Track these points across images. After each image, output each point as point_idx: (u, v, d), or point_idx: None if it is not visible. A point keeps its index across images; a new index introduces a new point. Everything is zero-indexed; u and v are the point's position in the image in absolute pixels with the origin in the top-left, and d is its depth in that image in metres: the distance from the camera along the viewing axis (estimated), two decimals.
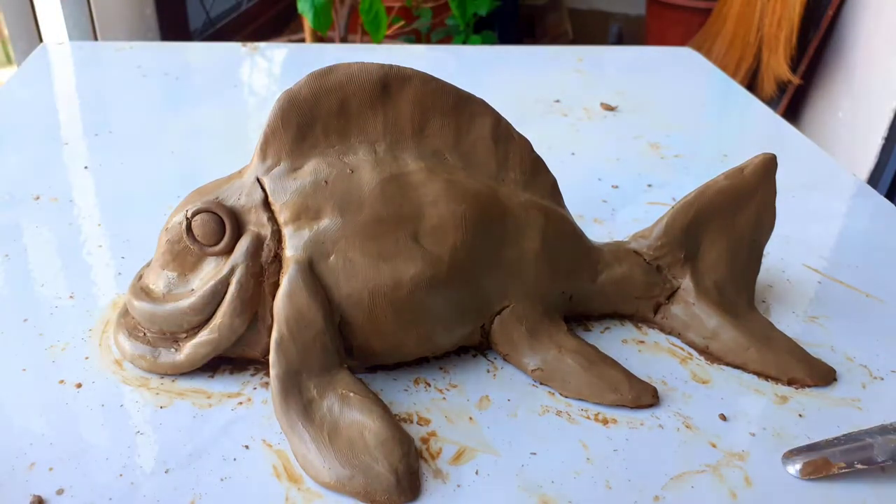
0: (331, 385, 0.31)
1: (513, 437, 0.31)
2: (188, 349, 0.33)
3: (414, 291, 0.32)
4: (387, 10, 1.28)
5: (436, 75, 0.33)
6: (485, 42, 1.49)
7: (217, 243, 0.32)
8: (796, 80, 1.55)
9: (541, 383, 0.34)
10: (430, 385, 0.34)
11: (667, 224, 0.37)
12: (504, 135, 0.35)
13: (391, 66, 0.32)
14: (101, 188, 0.49)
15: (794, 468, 0.30)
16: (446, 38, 1.58)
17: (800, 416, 0.33)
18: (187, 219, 0.32)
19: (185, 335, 0.33)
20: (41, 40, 1.19)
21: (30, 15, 1.18)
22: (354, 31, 1.55)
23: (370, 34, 1.25)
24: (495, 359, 0.36)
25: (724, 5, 1.73)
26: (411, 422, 0.32)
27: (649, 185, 0.54)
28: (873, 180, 1.36)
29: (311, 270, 0.31)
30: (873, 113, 1.38)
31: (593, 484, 0.29)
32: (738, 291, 0.39)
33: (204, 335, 0.32)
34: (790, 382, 0.35)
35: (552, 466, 0.30)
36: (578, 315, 0.38)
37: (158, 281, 0.33)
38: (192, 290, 0.33)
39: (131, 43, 0.76)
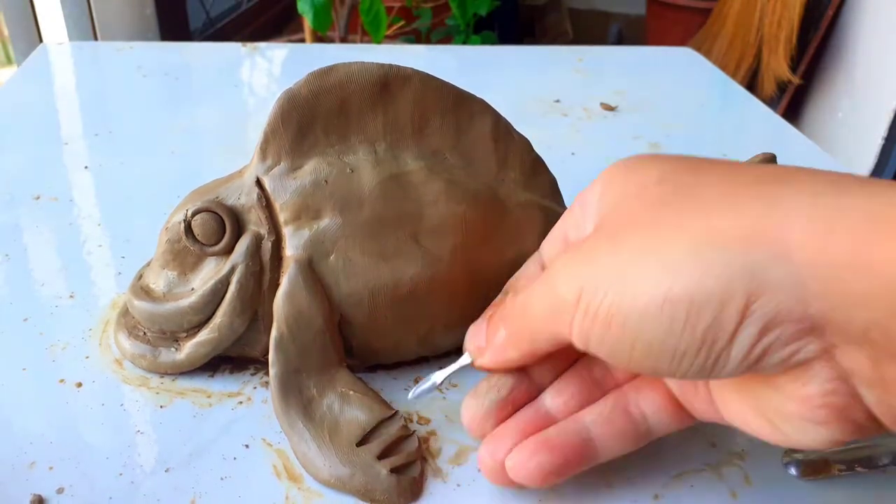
0: (331, 384, 0.31)
1: None
2: (188, 348, 0.33)
3: (414, 291, 0.32)
4: (387, 10, 1.28)
5: (436, 75, 0.33)
6: (485, 42, 1.49)
7: (217, 243, 0.32)
8: (796, 80, 1.55)
9: None
10: None
11: None
12: (504, 134, 0.35)
13: (391, 66, 0.32)
14: (101, 188, 0.49)
15: (794, 468, 0.30)
16: (446, 38, 1.58)
17: None
18: (187, 218, 0.32)
19: (185, 334, 0.33)
20: (41, 40, 1.19)
21: (30, 15, 1.18)
22: (354, 31, 1.55)
23: (370, 34, 1.26)
24: None
25: (724, 5, 1.74)
26: (411, 421, 0.32)
27: None
28: None
29: (311, 270, 0.31)
30: (873, 113, 1.38)
31: (593, 483, 0.29)
32: None
33: (204, 334, 0.32)
34: None
35: None
36: None
37: (158, 280, 0.33)
38: (193, 289, 0.33)
39: (131, 43, 0.76)
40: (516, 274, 0.30)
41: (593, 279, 0.22)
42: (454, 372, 0.29)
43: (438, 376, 0.30)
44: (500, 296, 0.31)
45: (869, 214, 0.18)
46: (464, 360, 0.29)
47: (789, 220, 0.19)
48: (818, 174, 0.20)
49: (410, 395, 0.30)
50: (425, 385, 0.30)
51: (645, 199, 0.22)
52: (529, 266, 0.30)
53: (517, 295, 0.26)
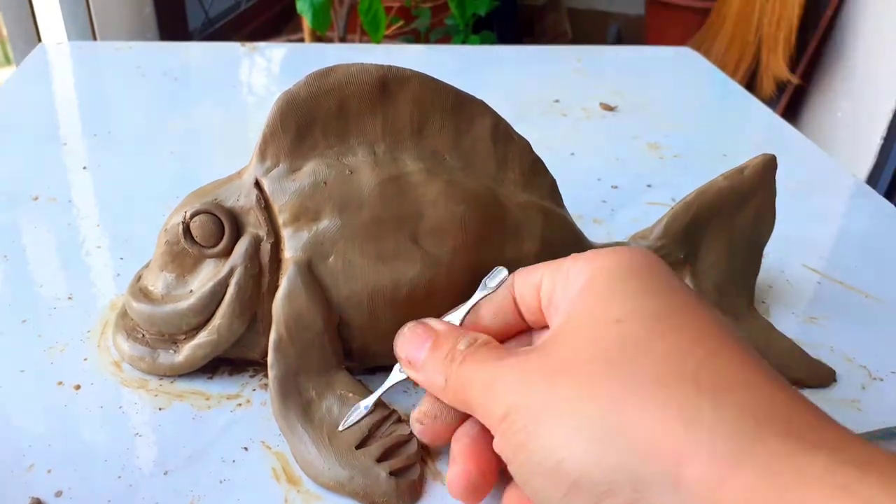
0: (329, 386, 0.31)
1: None
2: (187, 350, 0.33)
3: (413, 293, 0.32)
4: (386, 10, 1.28)
5: (435, 75, 0.33)
6: (484, 42, 1.49)
7: (216, 245, 0.32)
8: (795, 79, 1.55)
9: None
10: None
11: (666, 225, 0.37)
12: (503, 135, 0.35)
13: (390, 67, 0.32)
14: (100, 188, 0.49)
15: None
16: (445, 38, 1.58)
17: None
18: (185, 220, 0.32)
19: (183, 336, 0.33)
20: (40, 40, 1.19)
21: (29, 15, 1.18)
22: (353, 30, 1.55)
23: (369, 34, 1.25)
24: None
25: (723, 5, 1.74)
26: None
27: (649, 186, 0.54)
28: (872, 180, 1.36)
29: (310, 272, 0.31)
30: (872, 113, 1.38)
31: None
32: (738, 292, 0.39)
33: (203, 336, 0.32)
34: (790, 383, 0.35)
35: None
36: None
37: (157, 282, 0.33)
38: (191, 291, 0.33)
39: (130, 43, 0.76)
40: (489, 296, 0.29)
41: (518, 410, 0.23)
42: (383, 392, 0.30)
43: (367, 402, 0.30)
44: (466, 309, 0.29)
45: (771, 477, 0.18)
46: (391, 379, 0.29)
47: (696, 450, 0.19)
48: (754, 397, 0.20)
49: (341, 427, 0.30)
50: (354, 414, 0.30)
51: (597, 342, 0.23)
52: (500, 293, 0.29)
53: (467, 357, 0.26)
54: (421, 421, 0.28)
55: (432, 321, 0.28)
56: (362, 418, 0.30)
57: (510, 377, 0.24)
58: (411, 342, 0.28)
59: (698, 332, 0.22)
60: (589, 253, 0.26)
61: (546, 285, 0.27)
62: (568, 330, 0.24)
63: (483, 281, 0.29)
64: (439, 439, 0.29)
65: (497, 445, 0.24)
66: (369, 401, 0.30)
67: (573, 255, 0.26)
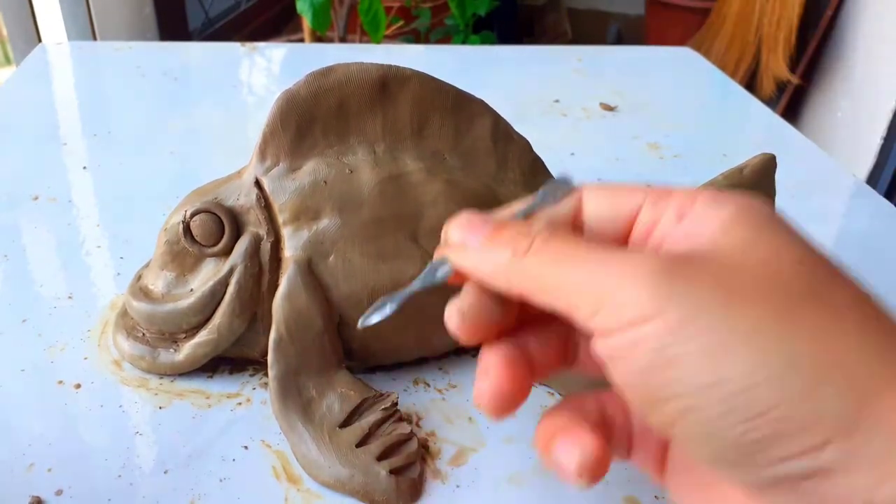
0: (330, 385, 0.31)
1: (512, 436, 0.31)
2: (187, 349, 0.33)
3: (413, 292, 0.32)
4: (386, 10, 1.28)
5: (435, 75, 0.33)
6: (484, 42, 1.49)
7: (216, 244, 0.32)
8: (795, 79, 1.55)
9: (540, 383, 0.34)
10: (429, 385, 0.34)
11: None
12: (503, 135, 0.35)
13: (390, 67, 0.32)
14: (100, 188, 0.49)
15: None
16: (445, 38, 1.58)
17: None
18: (185, 219, 0.32)
19: (183, 335, 0.33)
20: (40, 40, 1.19)
21: (29, 15, 1.18)
22: (353, 30, 1.55)
23: (369, 34, 1.25)
24: None
25: (723, 5, 1.74)
26: (410, 422, 0.32)
27: (648, 186, 0.53)
28: (872, 180, 1.36)
29: (310, 271, 0.31)
30: (872, 113, 1.38)
31: None
32: None
33: (203, 335, 0.32)
34: None
35: None
36: None
37: (157, 281, 0.33)
38: (191, 290, 0.33)
39: (130, 43, 0.76)
40: (548, 209, 0.24)
41: (666, 323, 0.19)
42: (413, 292, 0.25)
43: (395, 300, 0.25)
44: (521, 215, 0.24)
45: None
46: (422, 280, 0.25)
47: None
48: None
49: (360, 323, 0.25)
50: (378, 312, 0.25)
51: (778, 276, 0.20)
52: (560, 208, 0.24)
53: (554, 233, 0.22)
54: (463, 312, 0.23)
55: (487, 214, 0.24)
56: (385, 318, 0.25)
57: (648, 278, 0.19)
58: (470, 224, 0.23)
59: (862, 292, 0.20)
60: (707, 193, 0.22)
61: (647, 215, 0.23)
62: (732, 255, 0.21)
63: (542, 190, 0.24)
64: (476, 337, 0.24)
65: (602, 349, 0.20)
66: (397, 299, 0.25)
67: (681, 191, 0.23)
